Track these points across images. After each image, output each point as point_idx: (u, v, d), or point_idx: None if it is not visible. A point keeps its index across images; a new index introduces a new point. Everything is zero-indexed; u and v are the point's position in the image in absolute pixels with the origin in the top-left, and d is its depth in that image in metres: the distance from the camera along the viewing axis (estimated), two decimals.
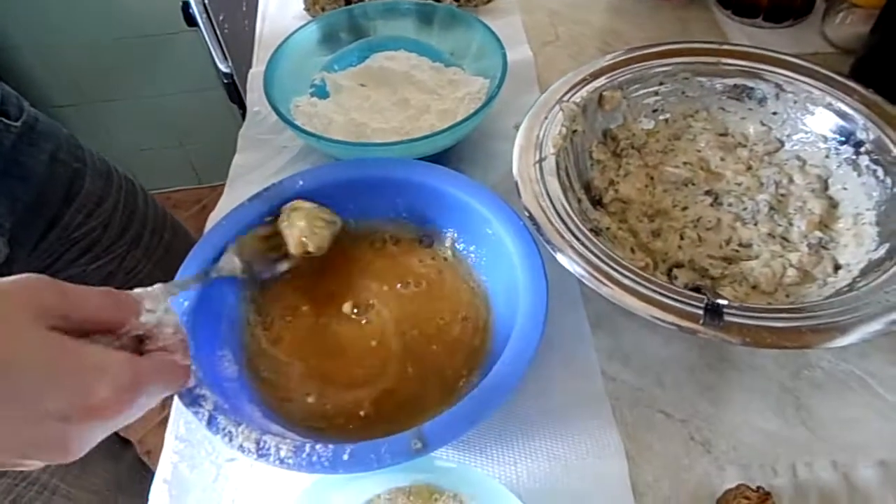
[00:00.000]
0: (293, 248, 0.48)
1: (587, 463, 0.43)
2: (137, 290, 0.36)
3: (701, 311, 0.40)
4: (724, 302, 0.39)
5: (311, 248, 0.48)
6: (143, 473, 0.81)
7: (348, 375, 0.47)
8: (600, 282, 0.43)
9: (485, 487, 0.38)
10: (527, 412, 0.45)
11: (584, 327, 0.50)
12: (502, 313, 0.48)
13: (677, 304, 0.41)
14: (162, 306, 0.36)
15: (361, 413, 0.45)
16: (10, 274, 0.60)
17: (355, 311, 0.51)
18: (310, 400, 0.46)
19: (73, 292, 0.32)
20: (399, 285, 0.52)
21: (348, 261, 0.54)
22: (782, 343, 0.39)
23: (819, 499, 0.41)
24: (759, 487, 0.38)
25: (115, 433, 0.77)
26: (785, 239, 0.50)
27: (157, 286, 0.37)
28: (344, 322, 0.50)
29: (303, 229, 0.48)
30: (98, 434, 0.31)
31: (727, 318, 0.40)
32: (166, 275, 0.46)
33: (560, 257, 0.45)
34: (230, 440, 0.39)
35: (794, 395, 0.46)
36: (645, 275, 0.43)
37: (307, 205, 0.50)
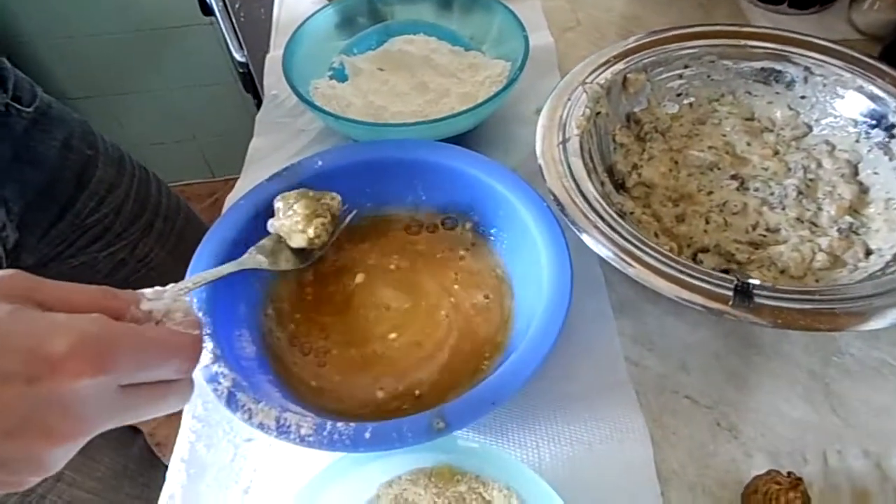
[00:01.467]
0: (294, 242, 0.46)
1: (611, 447, 0.42)
2: (144, 290, 0.32)
3: (730, 293, 0.39)
4: (755, 282, 0.38)
5: (312, 237, 0.45)
6: (152, 463, 0.81)
7: (367, 359, 0.47)
8: (627, 263, 0.42)
9: (507, 468, 0.37)
10: (550, 397, 0.45)
11: (607, 313, 0.49)
12: (525, 297, 0.47)
13: (706, 286, 0.40)
14: (168, 295, 0.32)
15: (379, 396, 0.44)
16: (19, 259, 0.60)
17: (375, 297, 0.50)
18: (327, 383, 0.45)
19: (52, 283, 0.29)
20: (422, 269, 0.51)
21: (368, 245, 0.53)
22: (814, 325, 0.38)
23: (850, 487, 0.40)
24: (789, 473, 0.37)
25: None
26: (814, 224, 0.49)
27: (169, 286, 0.34)
28: (362, 307, 0.49)
29: (296, 223, 0.45)
30: (82, 410, 0.26)
31: (757, 299, 0.39)
32: (178, 263, 0.46)
33: (585, 238, 0.44)
34: (249, 417, 0.38)
35: (824, 382, 0.45)
36: (672, 256, 0.42)
37: (292, 193, 0.47)
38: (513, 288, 0.49)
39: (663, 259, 0.42)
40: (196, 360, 0.31)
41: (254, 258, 0.45)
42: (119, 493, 0.73)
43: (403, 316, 0.48)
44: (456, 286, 0.49)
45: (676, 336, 0.48)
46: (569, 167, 0.48)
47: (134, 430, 0.81)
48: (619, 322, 0.49)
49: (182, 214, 0.77)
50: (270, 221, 0.46)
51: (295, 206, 0.46)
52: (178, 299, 0.32)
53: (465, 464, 0.39)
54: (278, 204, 0.46)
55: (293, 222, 0.45)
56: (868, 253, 0.46)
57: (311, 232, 0.45)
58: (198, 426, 0.45)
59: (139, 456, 0.79)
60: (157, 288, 0.33)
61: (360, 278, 0.51)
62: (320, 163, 0.52)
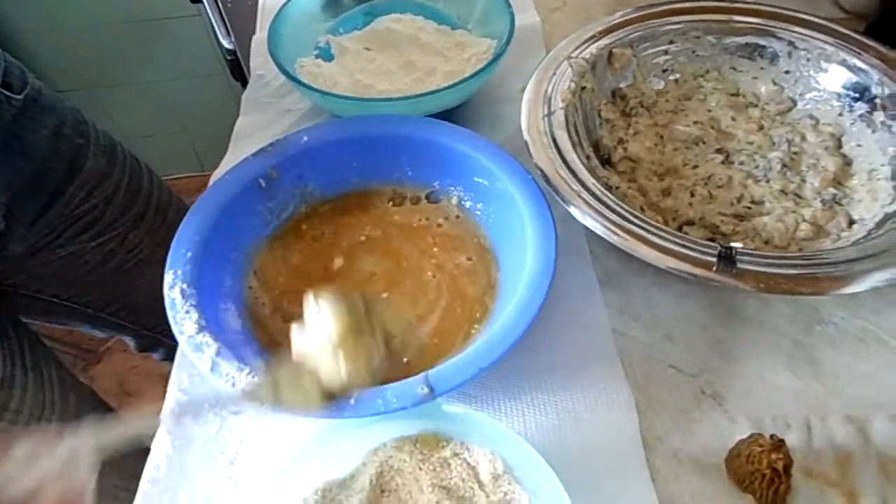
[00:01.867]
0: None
1: (597, 415, 0.42)
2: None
3: (714, 260, 0.40)
4: (738, 245, 0.38)
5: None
6: (142, 453, 0.80)
7: None
8: (612, 232, 0.42)
9: (492, 432, 0.37)
10: (535, 367, 0.45)
11: (593, 286, 0.49)
12: (510, 268, 0.47)
13: (690, 253, 0.40)
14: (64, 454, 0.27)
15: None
16: (6, 249, 0.59)
17: (359, 267, 0.50)
18: None
19: None
20: (405, 242, 0.51)
21: (353, 220, 0.53)
22: (797, 289, 0.38)
23: (833, 452, 0.40)
24: (772, 436, 0.37)
25: (108, 408, 0.76)
26: (798, 196, 0.49)
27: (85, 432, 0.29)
28: (347, 278, 0.49)
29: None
30: None
31: (741, 265, 0.39)
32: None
33: (572, 210, 0.44)
34: (233, 385, 0.38)
35: (807, 351, 0.45)
36: (657, 225, 0.42)
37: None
38: (498, 259, 0.49)
39: (649, 228, 0.42)
40: None
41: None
42: (107, 483, 0.73)
43: (391, 278, 0.48)
44: (435, 249, 0.49)
45: (662, 307, 0.48)
46: (554, 139, 0.48)
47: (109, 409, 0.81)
48: (604, 294, 0.49)
49: (174, 206, 0.77)
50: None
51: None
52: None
53: (449, 430, 0.39)
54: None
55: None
56: (851, 223, 0.47)
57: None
58: (183, 399, 0.45)
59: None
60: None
61: (339, 262, 0.50)
62: (306, 138, 0.52)
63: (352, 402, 0.37)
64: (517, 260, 0.45)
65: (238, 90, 1.38)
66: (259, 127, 0.63)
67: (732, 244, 0.38)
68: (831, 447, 0.41)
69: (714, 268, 0.39)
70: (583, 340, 0.46)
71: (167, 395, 0.45)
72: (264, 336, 0.46)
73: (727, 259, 0.39)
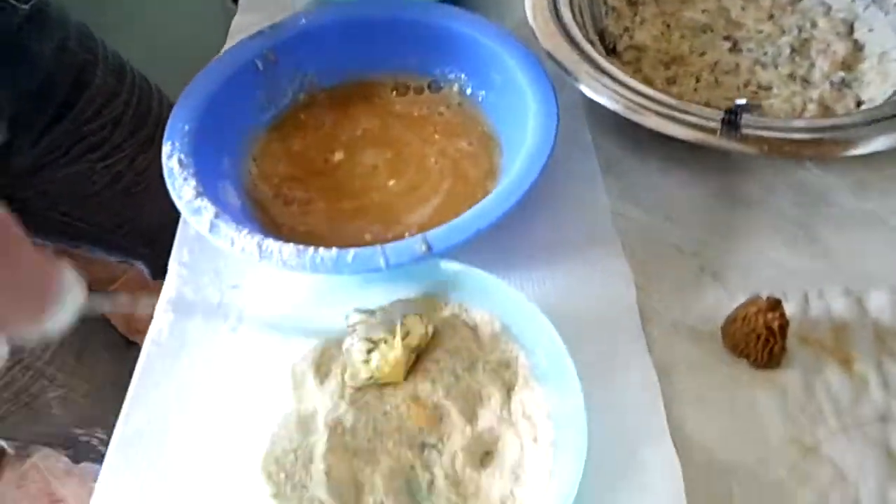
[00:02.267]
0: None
1: (594, 289, 0.42)
2: None
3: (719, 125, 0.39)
4: (743, 101, 0.37)
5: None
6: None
7: (358, 210, 0.46)
8: (621, 104, 0.41)
9: (490, 289, 0.37)
10: (535, 244, 0.45)
11: (595, 172, 0.49)
12: (513, 154, 0.46)
13: (694, 120, 0.40)
14: None
15: (367, 238, 0.44)
16: (9, 163, 0.58)
17: (360, 160, 0.49)
18: (315, 229, 0.45)
19: None
20: (406, 132, 0.51)
21: (354, 111, 0.52)
22: (801, 151, 0.37)
23: (830, 322, 0.41)
24: (769, 297, 0.37)
25: (120, 334, 0.76)
26: (806, 80, 0.48)
27: None
28: (349, 172, 0.49)
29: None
30: None
31: (745, 130, 0.38)
32: None
33: (582, 87, 0.43)
34: (232, 244, 0.38)
35: (810, 231, 0.45)
36: (663, 98, 0.41)
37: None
38: (501, 145, 0.48)
39: (652, 96, 0.41)
40: None
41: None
42: (116, 403, 0.74)
43: (393, 167, 0.48)
44: (437, 136, 0.49)
45: (663, 191, 0.48)
46: (559, 18, 0.47)
47: (129, 342, 0.81)
48: (606, 181, 0.48)
49: None
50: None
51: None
52: None
53: (448, 292, 0.39)
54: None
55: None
56: (859, 104, 0.46)
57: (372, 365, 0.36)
58: (184, 272, 0.45)
59: (133, 369, 0.79)
60: None
61: (339, 155, 0.50)
62: (304, 21, 0.51)
63: (349, 258, 0.37)
64: (520, 144, 0.44)
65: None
66: (257, 23, 0.61)
67: (738, 101, 0.37)
68: (828, 317, 0.41)
69: (718, 132, 0.38)
70: (583, 221, 0.46)
71: (169, 269, 0.45)
72: (265, 218, 0.46)
73: (732, 125, 0.39)
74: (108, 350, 0.71)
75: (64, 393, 0.65)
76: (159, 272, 0.84)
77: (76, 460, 0.81)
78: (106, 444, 0.77)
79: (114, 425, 0.74)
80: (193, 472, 0.37)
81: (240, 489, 0.33)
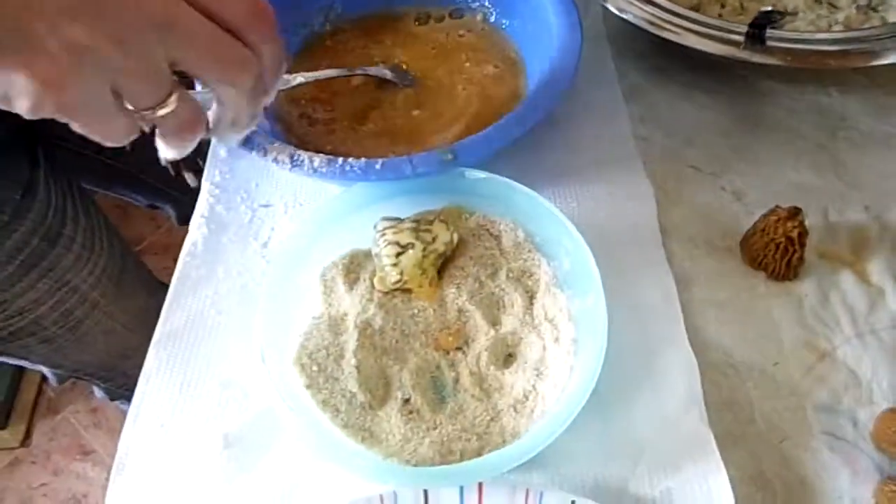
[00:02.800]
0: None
1: (615, 203, 0.43)
2: None
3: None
4: (769, 10, 0.38)
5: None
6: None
7: (382, 130, 0.47)
8: (642, 16, 0.42)
9: (513, 195, 0.38)
10: (559, 165, 0.45)
11: (617, 98, 0.49)
12: (536, 72, 0.47)
13: (720, 35, 0.40)
14: None
15: (391, 156, 0.45)
16: None
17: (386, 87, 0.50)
18: (341, 147, 0.46)
19: None
20: (432, 60, 0.51)
21: (380, 38, 0.53)
22: (825, 62, 0.38)
23: (848, 236, 0.41)
24: (789, 207, 0.38)
25: (148, 273, 0.78)
26: (832, 5, 0.48)
27: None
28: (371, 88, 0.50)
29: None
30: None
31: (770, 42, 0.39)
32: None
33: (609, 5, 0.44)
34: (264, 154, 0.39)
35: (830, 153, 0.45)
36: (689, 11, 0.42)
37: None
38: (526, 70, 0.49)
39: (678, 11, 0.41)
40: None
41: None
42: (150, 331, 0.76)
43: (420, 96, 0.49)
44: (466, 63, 0.49)
45: (685, 116, 0.48)
46: None
47: (160, 283, 0.83)
48: (628, 106, 0.49)
49: None
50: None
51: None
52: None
53: (472, 203, 0.40)
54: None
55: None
56: (885, 24, 0.46)
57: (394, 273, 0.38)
58: (216, 191, 0.46)
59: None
60: None
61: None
62: None
63: (378, 166, 0.38)
64: (543, 68, 0.45)
65: None
66: None
67: (764, 9, 0.38)
68: (847, 232, 0.41)
69: (742, 45, 0.39)
70: (606, 145, 0.47)
71: (202, 189, 0.47)
72: (291, 138, 0.47)
73: (756, 38, 0.39)
74: (144, 286, 0.74)
75: (106, 320, 0.67)
76: (185, 218, 0.86)
77: (112, 396, 0.84)
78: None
79: None
80: (229, 368, 0.38)
81: (274, 383, 0.35)
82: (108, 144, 0.27)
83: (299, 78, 0.44)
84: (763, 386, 0.36)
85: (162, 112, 0.25)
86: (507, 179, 0.38)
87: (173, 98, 0.25)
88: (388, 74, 0.47)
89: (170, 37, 0.24)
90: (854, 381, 0.36)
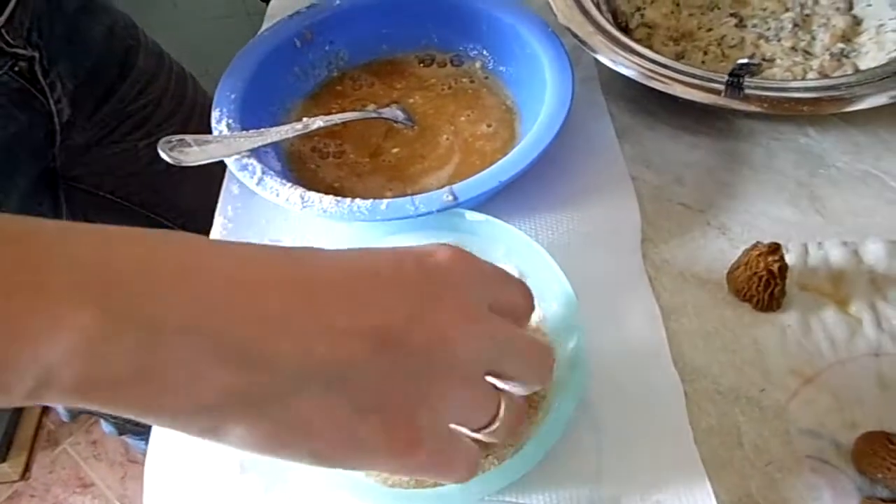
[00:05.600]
0: None
1: (605, 238, 0.46)
2: None
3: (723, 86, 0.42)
4: (745, 61, 0.41)
5: None
6: None
7: (377, 166, 0.50)
8: (632, 68, 0.45)
9: (509, 238, 0.41)
10: (552, 197, 0.48)
11: (612, 138, 0.51)
12: (531, 123, 0.50)
13: (703, 84, 0.43)
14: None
15: (388, 195, 0.48)
16: (70, 138, 0.64)
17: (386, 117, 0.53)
18: (346, 183, 0.49)
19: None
20: (435, 96, 0.54)
21: (386, 80, 0.56)
22: (798, 108, 0.41)
23: (828, 270, 0.44)
24: (769, 243, 0.40)
25: None
26: (807, 52, 0.52)
27: None
28: (382, 122, 0.52)
29: None
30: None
31: (748, 90, 0.42)
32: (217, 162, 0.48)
33: (600, 58, 0.47)
34: (277, 195, 0.42)
35: (809, 190, 0.48)
36: (674, 62, 0.45)
37: None
38: (521, 115, 0.52)
39: (664, 63, 0.45)
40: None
41: None
42: None
43: (402, 134, 0.52)
44: (462, 119, 0.52)
45: (673, 156, 0.51)
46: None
47: None
48: (620, 146, 0.52)
49: None
50: None
51: None
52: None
53: (470, 242, 0.43)
54: None
55: None
56: (857, 72, 0.49)
57: None
58: (229, 226, 0.49)
59: None
60: None
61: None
62: (338, 2, 0.55)
63: (383, 206, 0.41)
64: (538, 113, 0.48)
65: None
66: (291, 7, 0.66)
67: (741, 61, 0.41)
68: (826, 266, 0.44)
69: (722, 93, 0.42)
70: (600, 180, 0.49)
71: (214, 223, 0.49)
72: (302, 178, 0.50)
73: (736, 86, 0.42)
74: None
75: None
76: None
77: (121, 431, 0.86)
78: None
79: None
80: None
81: None
82: (451, 482, 0.27)
83: (318, 122, 0.47)
84: (749, 411, 0.38)
85: (494, 427, 0.26)
86: (503, 223, 0.41)
87: (502, 408, 0.26)
88: (399, 116, 0.51)
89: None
90: (836, 406, 0.38)
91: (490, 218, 0.41)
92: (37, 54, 0.52)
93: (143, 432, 0.86)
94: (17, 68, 0.51)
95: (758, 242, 0.41)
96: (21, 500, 1.32)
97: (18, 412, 1.36)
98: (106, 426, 0.87)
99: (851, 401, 0.38)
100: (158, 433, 0.39)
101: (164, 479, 0.37)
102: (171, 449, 0.38)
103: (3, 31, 0.48)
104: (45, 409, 1.39)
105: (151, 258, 0.21)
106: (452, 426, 0.25)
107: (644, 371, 0.39)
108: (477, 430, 0.26)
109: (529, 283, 0.41)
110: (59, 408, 0.75)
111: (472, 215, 0.41)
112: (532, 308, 0.28)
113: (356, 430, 0.22)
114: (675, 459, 0.36)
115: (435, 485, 0.35)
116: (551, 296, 0.39)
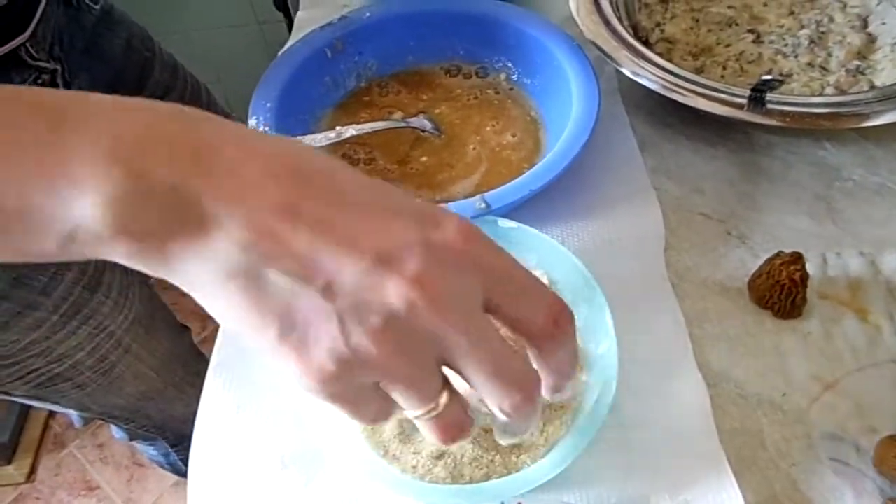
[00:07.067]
0: None
1: (629, 246, 0.47)
2: None
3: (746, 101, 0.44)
4: (768, 77, 0.42)
5: None
6: (200, 356, 0.84)
7: (406, 174, 0.51)
8: (655, 81, 0.46)
9: (540, 245, 0.42)
10: (578, 206, 0.49)
11: (633, 149, 0.53)
12: (557, 134, 0.51)
13: (726, 97, 0.45)
14: None
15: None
16: None
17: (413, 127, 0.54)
18: None
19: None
20: (461, 106, 0.56)
21: (414, 89, 0.58)
22: (819, 123, 0.42)
23: (846, 280, 0.45)
24: (791, 252, 0.42)
25: (173, 317, 0.81)
26: (824, 68, 0.53)
27: None
28: (410, 131, 0.54)
29: None
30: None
31: (770, 105, 0.43)
32: None
33: (624, 70, 0.49)
34: None
35: (827, 201, 0.49)
36: (697, 76, 0.46)
37: None
38: (546, 127, 0.54)
39: (687, 77, 0.46)
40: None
41: None
42: (174, 376, 0.78)
43: (431, 143, 0.53)
44: (488, 128, 0.54)
45: (693, 167, 0.52)
46: (600, 11, 0.52)
47: (183, 326, 0.86)
48: (642, 158, 0.53)
49: None
50: None
51: None
52: None
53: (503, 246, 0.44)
54: None
55: None
56: (872, 88, 0.50)
57: None
58: None
59: (189, 346, 0.83)
60: None
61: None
62: (368, 14, 0.57)
63: None
64: (564, 124, 0.49)
65: (273, 45, 1.41)
66: (319, 19, 0.67)
67: (764, 77, 0.42)
68: (845, 276, 0.45)
69: (745, 107, 0.43)
70: (623, 189, 0.51)
71: None
72: None
73: (758, 101, 0.43)
74: (169, 329, 0.77)
75: (136, 364, 0.70)
76: None
77: (132, 437, 0.86)
78: (164, 417, 0.80)
79: (172, 399, 0.77)
80: (284, 388, 0.41)
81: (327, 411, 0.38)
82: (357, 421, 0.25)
83: (350, 130, 0.48)
84: (772, 415, 0.40)
85: (427, 417, 0.23)
86: (534, 230, 0.42)
87: (442, 401, 0.23)
88: (427, 125, 0.52)
89: (453, 345, 0.22)
90: (857, 411, 0.39)
91: (522, 225, 0.43)
92: (59, 67, 0.54)
93: (153, 438, 0.87)
94: (40, 81, 0.52)
95: (780, 252, 0.42)
96: (26, 502, 1.32)
97: (24, 415, 1.36)
98: (116, 431, 0.87)
99: (871, 406, 0.39)
100: (202, 434, 0.40)
101: (208, 477, 0.38)
102: (214, 447, 0.39)
103: (27, 45, 0.49)
104: (52, 412, 1.39)
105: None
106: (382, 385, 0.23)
107: (670, 374, 0.41)
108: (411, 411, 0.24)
109: (559, 287, 0.43)
110: (73, 414, 0.76)
111: (504, 222, 0.43)
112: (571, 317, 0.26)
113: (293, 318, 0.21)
114: (702, 460, 0.37)
115: (470, 480, 0.36)
116: (581, 302, 0.41)
